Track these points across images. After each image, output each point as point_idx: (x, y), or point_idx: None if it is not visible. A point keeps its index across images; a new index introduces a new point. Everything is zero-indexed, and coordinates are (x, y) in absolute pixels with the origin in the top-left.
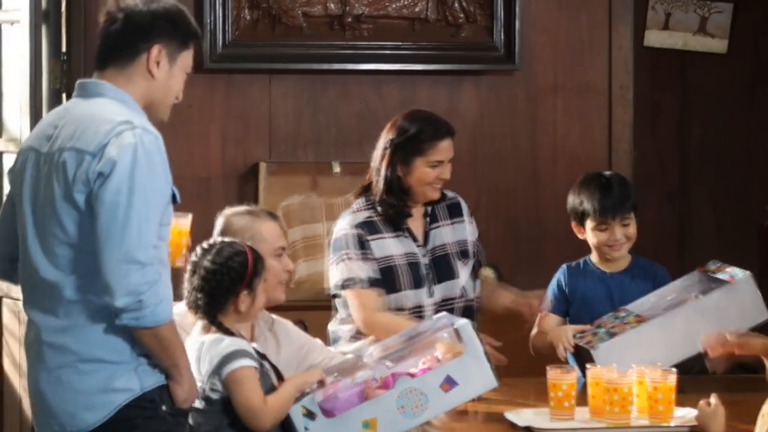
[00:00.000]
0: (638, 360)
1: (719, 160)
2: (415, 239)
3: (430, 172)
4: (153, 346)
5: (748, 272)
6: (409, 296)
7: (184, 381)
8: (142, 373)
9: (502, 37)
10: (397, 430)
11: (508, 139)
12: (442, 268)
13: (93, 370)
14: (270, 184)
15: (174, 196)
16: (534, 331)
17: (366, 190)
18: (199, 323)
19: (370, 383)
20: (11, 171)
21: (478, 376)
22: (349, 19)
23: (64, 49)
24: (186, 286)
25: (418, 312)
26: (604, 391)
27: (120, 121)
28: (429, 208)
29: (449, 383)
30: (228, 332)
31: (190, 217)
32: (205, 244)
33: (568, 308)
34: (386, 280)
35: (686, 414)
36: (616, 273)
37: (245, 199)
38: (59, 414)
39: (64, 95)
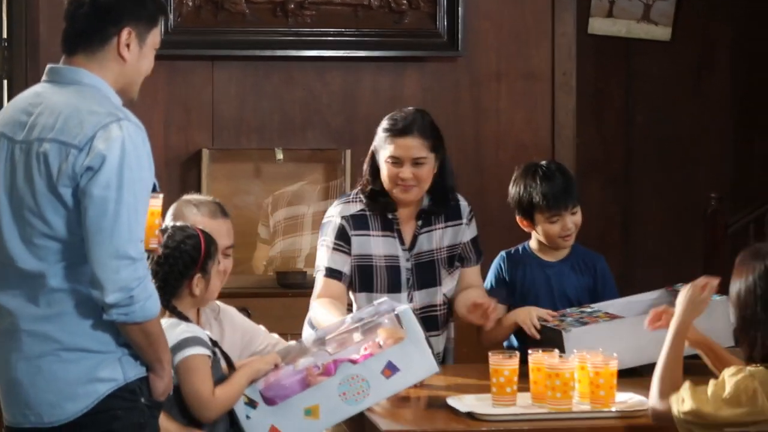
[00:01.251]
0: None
1: (663, 147)
2: (402, 242)
3: (391, 169)
4: (140, 341)
5: (725, 296)
6: (384, 298)
7: (165, 375)
8: (125, 363)
9: (446, 23)
10: (339, 416)
11: (451, 126)
12: (424, 274)
13: (77, 359)
14: (213, 170)
15: (154, 186)
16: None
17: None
18: None
19: (312, 370)
20: None
21: (419, 361)
22: (292, 6)
23: (5, 35)
24: None
25: None
26: (546, 376)
27: (104, 113)
28: (423, 214)
29: (391, 369)
30: (183, 317)
31: (161, 197)
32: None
33: (508, 295)
34: (362, 278)
35: (628, 399)
36: (555, 262)
37: (188, 186)
38: (37, 404)
39: (5, 82)
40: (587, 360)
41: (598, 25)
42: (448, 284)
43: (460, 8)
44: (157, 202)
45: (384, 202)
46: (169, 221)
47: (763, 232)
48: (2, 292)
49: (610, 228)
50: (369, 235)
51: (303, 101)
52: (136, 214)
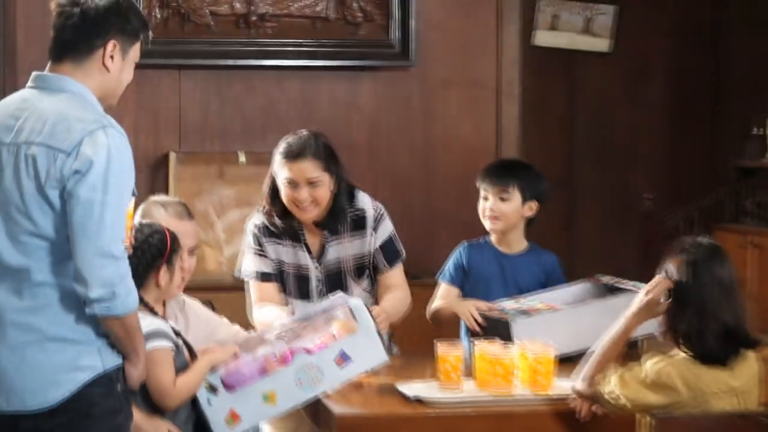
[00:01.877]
0: (547, 341)
1: (602, 152)
2: (310, 253)
3: (288, 191)
4: (119, 333)
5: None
6: (296, 304)
7: (140, 364)
8: (104, 353)
9: (398, 35)
10: (294, 402)
11: (403, 132)
12: (333, 283)
13: (59, 349)
14: (179, 172)
15: (134, 191)
16: (434, 303)
17: None
18: None
19: (270, 359)
20: None
21: (370, 351)
22: (254, 18)
23: None
24: None
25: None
26: (489, 364)
27: (90, 120)
28: (328, 227)
29: (343, 358)
30: (150, 308)
31: (133, 200)
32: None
33: (463, 281)
34: (281, 281)
35: (565, 386)
36: (511, 254)
37: (156, 187)
38: (21, 390)
39: None
40: (527, 348)
41: (542, 38)
42: (356, 293)
43: (412, 21)
44: (131, 204)
45: (285, 222)
46: (137, 220)
47: (694, 229)
48: None
49: (553, 226)
50: (279, 244)
51: (263, 108)
52: (119, 215)
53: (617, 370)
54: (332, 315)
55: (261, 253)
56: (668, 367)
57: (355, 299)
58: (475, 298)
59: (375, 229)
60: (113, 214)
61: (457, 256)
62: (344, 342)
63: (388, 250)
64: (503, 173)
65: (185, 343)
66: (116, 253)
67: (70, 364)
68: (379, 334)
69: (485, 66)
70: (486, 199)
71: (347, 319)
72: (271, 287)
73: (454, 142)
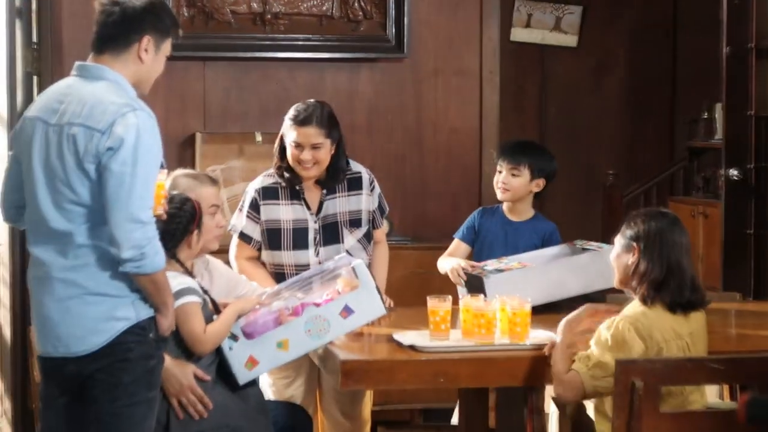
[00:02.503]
0: (517, 294)
1: (570, 133)
2: (309, 208)
3: (294, 151)
4: (149, 288)
5: (612, 245)
6: (288, 255)
7: (169, 315)
8: (137, 305)
9: (393, 31)
10: (304, 349)
11: (398, 114)
12: (329, 233)
13: (98, 302)
14: (204, 150)
15: (161, 163)
16: (442, 255)
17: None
18: None
19: (284, 311)
20: (16, 135)
21: (370, 305)
22: (269, 16)
23: (35, 39)
24: None
25: (301, 269)
26: (473, 316)
27: (122, 103)
28: (326, 185)
29: (347, 311)
30: (184, 267)
31: (166, 172)
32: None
33: (474, 241)
34: (271, 239)
35: (539, 335)
36: (515, 221)
37: (184, 163)
38: (65, 337)
39: (35, 78)
40: (507, 303)
41: (518, 34)
42: (349, 242)
43: (405, 18)
44: (162, 176)
45: (291, 176)
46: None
47: (651, 201)
48: (37, 247)
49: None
50: (278, 204)
51: (276, 94)
52: (147, 186)
53: (581, 355)
54: (337, 274)
55: (251, 216)
56: (621, 322)
57: (357, 260)
58: (480, 256)
59: (372, 190)
60: (141, 185)
61: (471, 218)
62: (348, 297)
63: (381, 210)
64: (517, 153)
65: (210, 298)
66: (144, 219)
67: (107, 315)
68: (378, 290)
69: (469, 58)
70: (500, 172)
71: (350, 277)
72: (249, 249)
73: (442, 123)
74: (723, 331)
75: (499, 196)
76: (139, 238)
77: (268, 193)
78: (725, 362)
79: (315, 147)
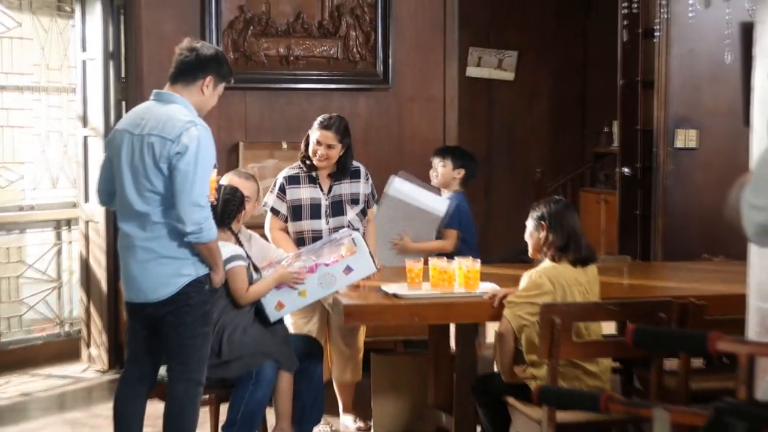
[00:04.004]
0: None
1: (510, 144)
2: (322, 190)
3: (314, 147)
4: (205, 253)
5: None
6: (307, 224)
7: (220, 272)
8: (197, 265)
9: (381, 69)
10: (317, 296)
11: (385, 129)
12: (336, 208)
13: (168, 263)
14: (245, 155)
15: (214, 164)
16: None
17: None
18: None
19: (302, 269)
20: (109, 142)
21: (365, 265)
22: (291, 58)
23: (123, 74)
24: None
25: (316, 234)
26: (439, 273)
27: (187, 120)
28: (335, 176)
29: (348, 270)
30: (236, 237)
31: (216, 170)
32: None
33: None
34: (294, 213)
35: (486, 286)
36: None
37: (231, 164)
38: (144, 289)
39: (123, 103)
40: (462, 263)
41: (471, 71)
42: (350, 215)
43: (390, 60)
44: (214, 172)
45: (310, 164)
46: (223, 182)
47: (567, 192)
48: (124, 223)
49: (478, 192)
50: (299, 187)
51: (297, 114)
52: (204, 180)
53: (507, 304)
54: (341, 242)
55: (281, 197)
56: (535, 274)
57: (355, 233)
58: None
59: (367, 180)
60: (200, 180)
61: (456, 205)
62: (349, 259)
63: (373, 196)
64: (442, 151)
65: (252, 263)
66: (202, 204)
67: (175, 273)
68: (371, 254)
69: (435, 88)
70: (433, 167)
71: (350, 245)
72: (279, 221)
73: (416, 136)
74: (618, 283)
75: (433, 182)
76: (199, 217)
77: (292, 180)
78: (619, 305)
79: (329, 147)
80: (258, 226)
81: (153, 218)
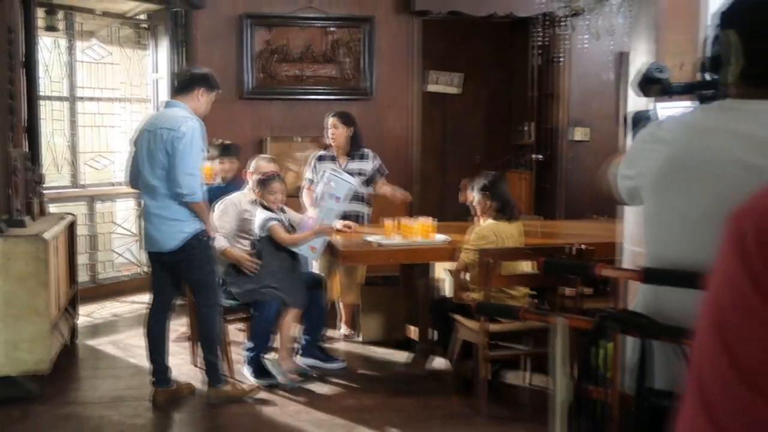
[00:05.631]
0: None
1: (459, 140)
2: (339, 165)
3: (328, 130)
4: (197, 210)
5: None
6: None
7: (209, 226)
8: (195, 223)
9: (367, 84)
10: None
11: (370, 128)
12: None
13: (174, 224)
14: (271, 147)
15: (204, 149)
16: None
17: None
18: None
19: (315, 216)
20: (135, 140)
21: (344, 187)
22: (304, 77)
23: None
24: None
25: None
26: (407, 228)
27: (184, 116)
28: (350, 155)
29: (337, 198)
30: (267, 208)
31: (207, 162)
32: (251, 170)
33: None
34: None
35: (440, 237)
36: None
37: (260, 152)
38: (159, 242)
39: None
40: (422, 221)
41: (431, 87)
42: (356, 183)
43: (373, 78)
44: (205, 164)
45: (329, 146)
46: (252, 167)
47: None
48: (144, 196)
49: (435, 175)
50: (324, 162)
51: (307, 117)
52: (196, 157)
53: (461, 249)
54: (328, 184)
55: (314, 170)
56: (481, 229)
57: (327, 173)
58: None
59: (374, 159)
60: (193, 156)
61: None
62: (332, 191)
63: (381, 170)
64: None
65: (288, 221)
66: (194, 173)
67: (178, 230)
68: (343, 179)
69: (405, 99)
70: (328, 129)
71: (329, 182)
72: (308, 191)
73: (391, 133)
74: (532, 235)
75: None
76: (191, 183)
77: (320, 159)
78: (533, 250)
79: (335, 127)
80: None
81: (161, 191)
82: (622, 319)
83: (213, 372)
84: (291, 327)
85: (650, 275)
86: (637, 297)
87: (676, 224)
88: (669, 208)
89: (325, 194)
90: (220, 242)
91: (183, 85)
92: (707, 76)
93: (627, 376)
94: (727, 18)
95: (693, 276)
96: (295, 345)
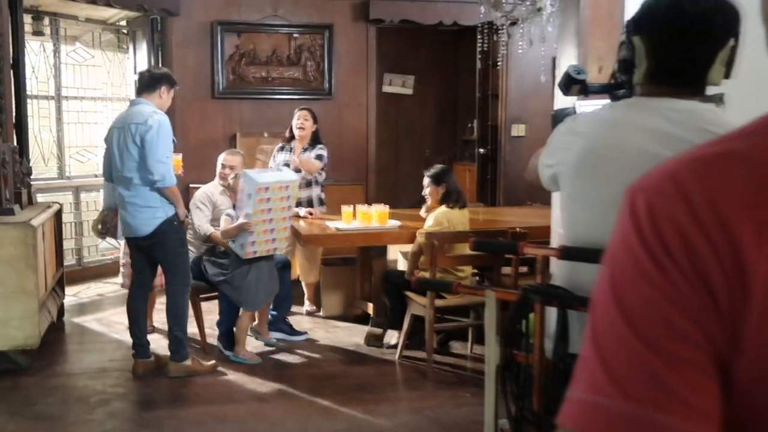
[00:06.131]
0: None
1: (411, 134)
2: (293, 154)
3: (295, 122)
4: (168, 194)
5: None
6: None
7: (181, 210)
8: (167, 208)
9: (328, 86)
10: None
11: (332, 125)
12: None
13: (147, 210)
14: (241, 141)
15: (174, 140)
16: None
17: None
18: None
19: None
20: (106, 137)
21: (252, 182)
22: (270, 79)
23: None
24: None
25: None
26: (363, 214)
27: (151, 111)
28: (305, 147)
29: (246, 195)
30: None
31: (180, 155)
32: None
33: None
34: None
35: (393, 222)
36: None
37: (231, 147)
38: (134, 228)
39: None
40: (377, 208)
41: (386, 89)
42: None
43: (333, 80)
44: (176, 156)
45: (290, 137)
46: (220, 159)
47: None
48: (119, 187)
49: (389, 167)
50: (283, 152)
51: (275, 114)
52: (166, 146)
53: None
54: (242, 186)
55: (274, 158)
56: (437, 216)
57: (241, 173)
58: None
59: (320, 149)
60: (162, 145)
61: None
62: (244, 190)
63: (319, 155)
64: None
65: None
66: (164, 161)
67: (151, 216)
68: (251, 175)
69: (362, 98)
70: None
71: (241, 181)
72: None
73: (350, 128)
74: (476, 220)
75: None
76: (162, 169)
77: (279, 150)
78: (474, 233)
79: (305, 119)
80: None
81: (134, 181)
82: (544, 291)
83: (178, 347)
84: (246, 321)
85: (567, 252)
86: (556, 272)
87: (589, 208)
88: (583, 194)
89: (242, 193)
90: (205, 229)
91: (147, 84)
92: (620, 77)
93: (549, 342)
94: (635, 24)
95: (604, 253)
96: (249, 334)
